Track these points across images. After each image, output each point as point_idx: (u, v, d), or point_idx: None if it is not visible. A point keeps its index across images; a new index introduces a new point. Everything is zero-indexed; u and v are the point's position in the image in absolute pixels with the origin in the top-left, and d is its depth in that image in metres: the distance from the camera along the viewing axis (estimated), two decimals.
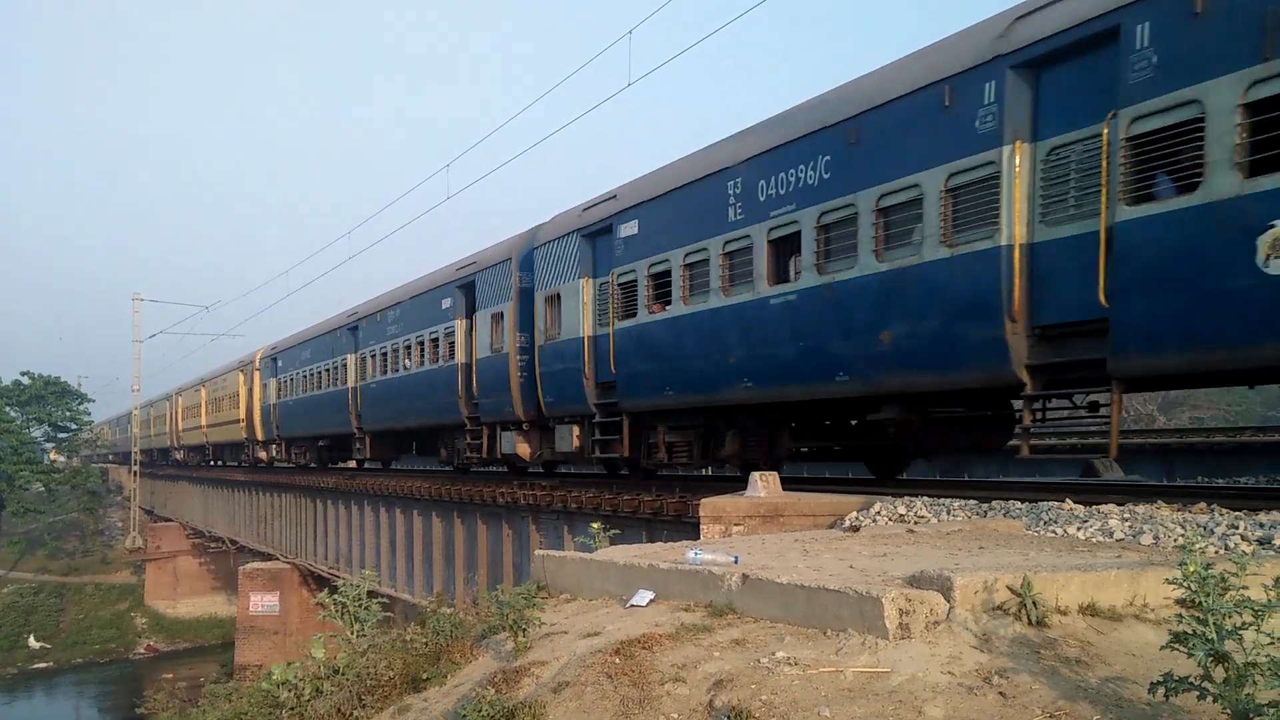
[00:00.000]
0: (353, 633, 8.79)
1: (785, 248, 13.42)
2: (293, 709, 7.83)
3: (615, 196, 17.60)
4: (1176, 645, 4.29)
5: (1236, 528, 7.78)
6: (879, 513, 10.75)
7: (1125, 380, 9.45)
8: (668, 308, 15.57)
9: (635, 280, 16.40)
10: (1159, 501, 9.35)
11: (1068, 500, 9.73)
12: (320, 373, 34.79)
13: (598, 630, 6.55)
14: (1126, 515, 8.73)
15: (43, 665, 53.57)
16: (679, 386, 15.45)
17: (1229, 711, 4.04)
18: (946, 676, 4.97)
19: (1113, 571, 5.80)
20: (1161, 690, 4.28)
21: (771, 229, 13.26)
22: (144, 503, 67.73)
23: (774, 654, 5.46)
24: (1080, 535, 8.40)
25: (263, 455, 43.72)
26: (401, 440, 30.83)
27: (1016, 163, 10.04)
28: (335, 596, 9.14)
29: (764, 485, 12.18)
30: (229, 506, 51.00)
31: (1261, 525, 7.75)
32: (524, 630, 6.75)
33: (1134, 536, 8.04)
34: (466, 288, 23.41)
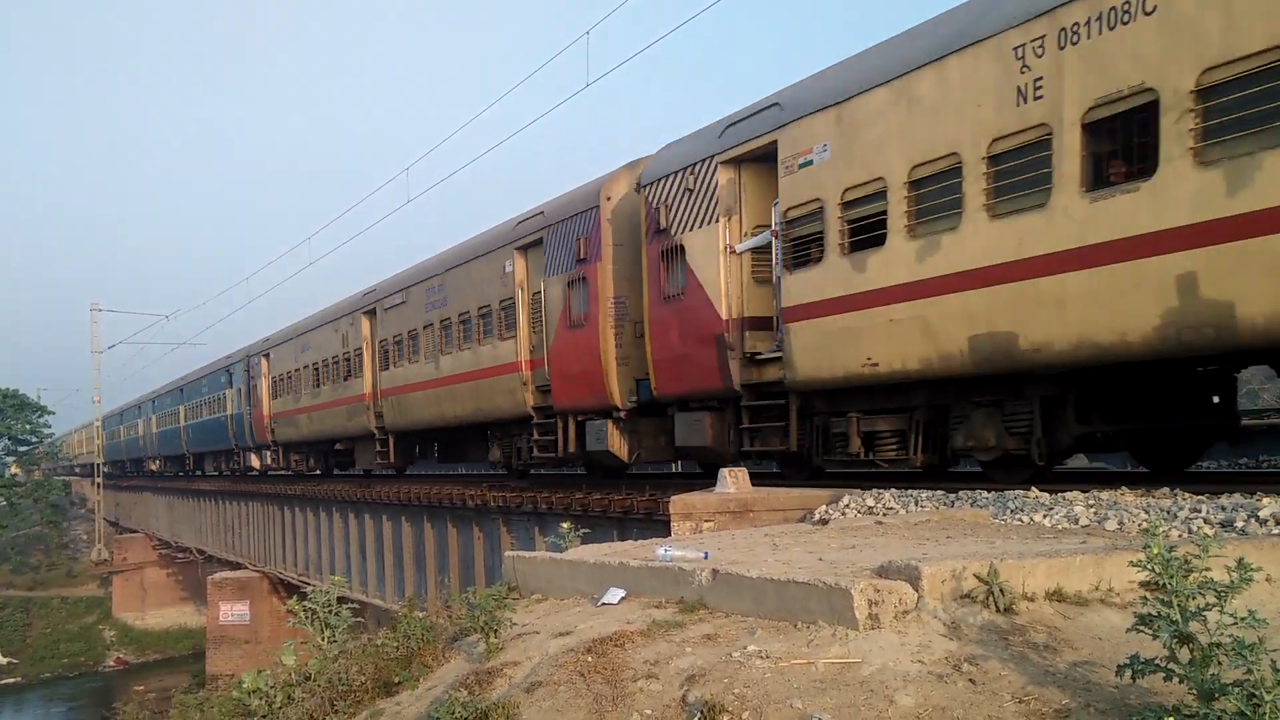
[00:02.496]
0: (323, 639, 8.72)
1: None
2: (264, 717, 7.76)
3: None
4: (1142, 628, 4.33)
5: (1199, 511, 7.89)
6: (848, 506, 10.81)
7: None
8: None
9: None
10: (1123, 487, 9.46)
11: (1033, 488, 9.82)
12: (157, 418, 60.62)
13: (569, 629, 6.54)
14: (1091, 501, 8.82)
15: (10, 680, 52.81)
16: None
17: (1195, 692, 4.09)
18: (916, 665, 5.01)
19: (1078, 557, 5.86)
20: (1129, 672, 4.33)
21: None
22: (108, 514, 66.95)
23: (745, 648, 5.48)
24: (1046, 522, 8.48)
25: (104, 470, 69.52)
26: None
27: None
28: (305, 603, 9.07)
29: (733, 481, 12.20)
30: (195, 516, 50.50)
31: (1224, 508, 7.86)
32: (495, 631, 6.73)
33: (1099, 522, 8.13)
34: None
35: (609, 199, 16.96)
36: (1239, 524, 7.40)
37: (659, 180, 15.46)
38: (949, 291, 10.54)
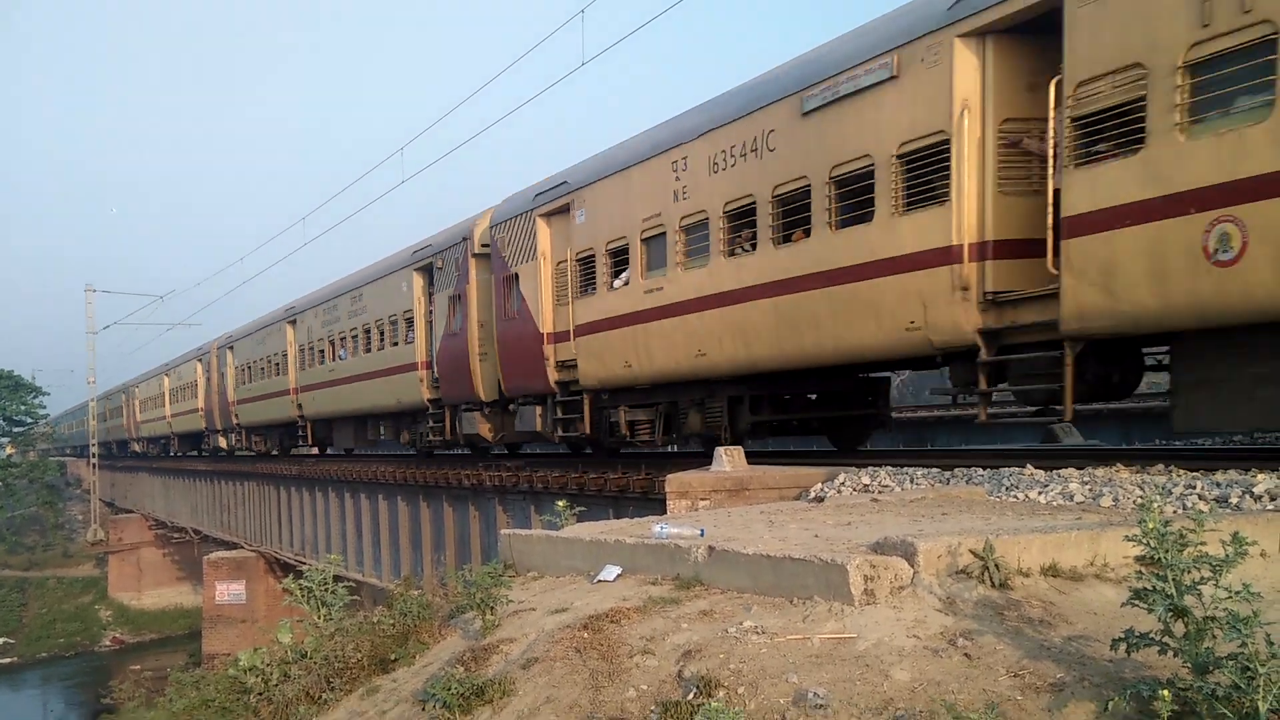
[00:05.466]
0: (320, 617, 8.74)
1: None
2: (260, 694, 7.79)
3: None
4: (1137, 602, 4.34)
5: (1194, 487, 7.90)
6: (843, 483, 10.82)
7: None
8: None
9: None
10: (1118, 464, 9.47)
11: (1028, 466, 9.83)
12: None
13: (566, 606, 6.55)
14: (1086, 478, 8.83)
15: (6, 661, 52.88)
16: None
17: (1189, 665, 4.10)
18: (912, 640, 5.02)
19: (1073, 533, 5.88)
20: (1123, 646, 4.34)
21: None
22: (104, 495, 66.89)
23: (741, 624, 5.49)
24: (1041, 499, 8.49)
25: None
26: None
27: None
28: (301, 582, 9.08)
29: (729, 460, 12.21)
30: (191, 496, 50.49)
31: (1218, 484, 7.87)
32: (492, 608, 6.74)
33: (1094, 499, 8.14)
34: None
35: None
36: (1234, 500, 7.42)
37: None
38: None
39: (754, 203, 12.74)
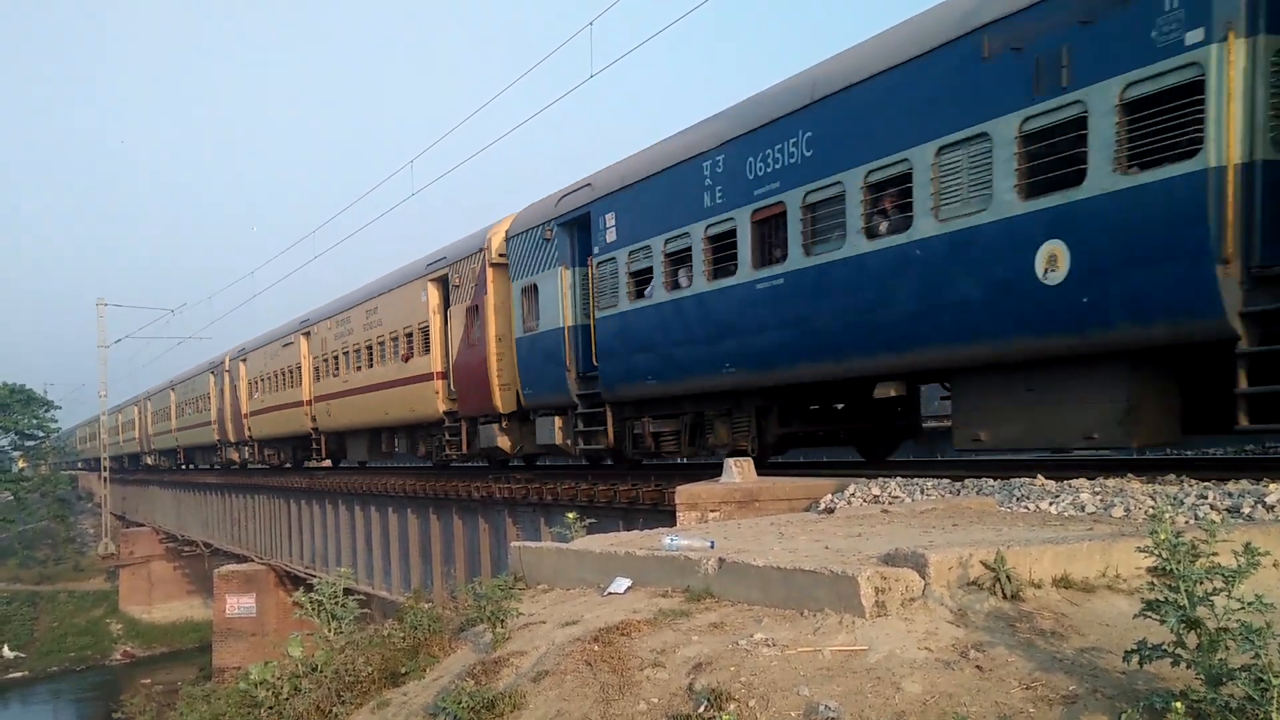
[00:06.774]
0: (330, 630, 8.74)
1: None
2: (271, 708, 7.78)
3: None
4: (1149, 613, 4.33)
5: (1206, 497, 7.87)
6: (853, 494, 10.80)
7: None
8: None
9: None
10: (1129, 474, 9.44)
11: (1039, 476, 9.79)
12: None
13: (576, 619, 6.54)
14: (1097, 489, 8.80)
15: (18, 674, 52.92)
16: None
17: (1202, 677, 4.09)
18: (924, 652, 5.01)
19: (1085, 544, 5.86)
20: (1136, 658, 4.33)
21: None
22: (115, 509, 67.03)
23: (752, 636, 5.48)
24: (1052, 510, 8.46)
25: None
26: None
27: None
28: (311, 595, 9.08)
29: (739, 471, 12.19)
30: (202, 510, 50.58)
31: (1230, 495, 7.83)
32: (502, 621, 6.73)
33: (1105, 509, 8.11)
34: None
35: None
36: (1246, 510, 7.38)
37: None
38: None
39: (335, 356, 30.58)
